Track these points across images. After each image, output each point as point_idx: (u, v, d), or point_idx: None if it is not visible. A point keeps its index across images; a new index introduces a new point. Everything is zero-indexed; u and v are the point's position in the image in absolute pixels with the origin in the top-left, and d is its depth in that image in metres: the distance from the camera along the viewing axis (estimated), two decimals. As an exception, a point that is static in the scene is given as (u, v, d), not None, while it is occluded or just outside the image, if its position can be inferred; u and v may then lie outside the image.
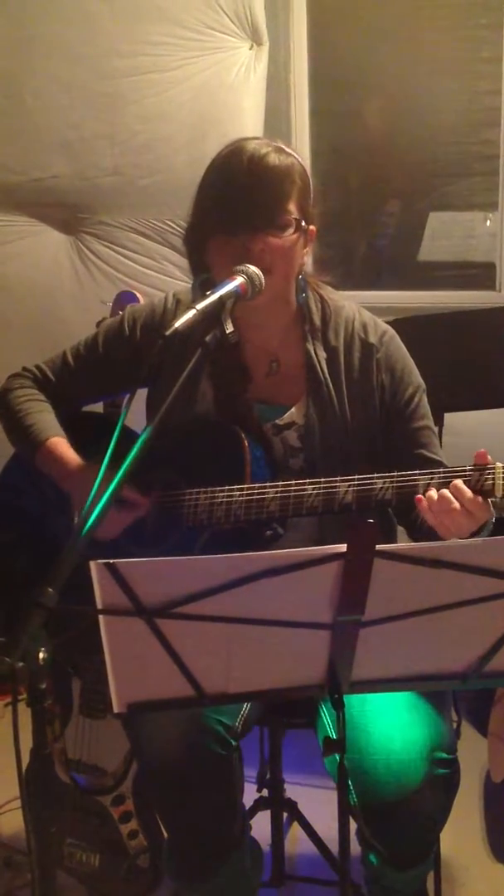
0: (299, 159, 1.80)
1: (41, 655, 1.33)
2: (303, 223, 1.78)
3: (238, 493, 1.75)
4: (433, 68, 3.60)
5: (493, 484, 1.60)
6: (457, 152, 3.62)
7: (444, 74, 3.61)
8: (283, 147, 1.79)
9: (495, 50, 3.42)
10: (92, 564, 1.26)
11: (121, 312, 2.16)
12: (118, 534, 1.84)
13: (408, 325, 2.25)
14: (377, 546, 1.25)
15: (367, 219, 3.78)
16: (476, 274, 3.68)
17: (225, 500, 1.75)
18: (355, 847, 1.88)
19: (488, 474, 1.61)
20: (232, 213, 1.73)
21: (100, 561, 1.26)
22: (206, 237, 1.79)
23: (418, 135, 3.69)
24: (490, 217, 3.65)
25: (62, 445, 1.91)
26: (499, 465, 1.62)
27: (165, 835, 1.94)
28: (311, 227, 1.82)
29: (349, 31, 3.61)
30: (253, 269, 1.68)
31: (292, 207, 1.76)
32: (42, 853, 1.51)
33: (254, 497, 1.74)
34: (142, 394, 1.91)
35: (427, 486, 1.64)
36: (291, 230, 1.76)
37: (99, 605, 1.29)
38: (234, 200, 1.73)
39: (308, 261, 1.89)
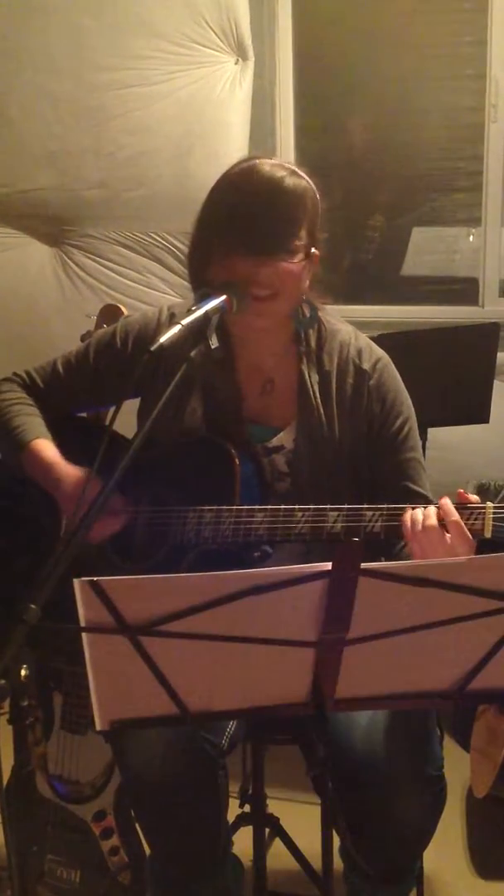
0: (311, 184, 1.78)
1: (23, 672, 1.32)
2: (311, 249, 1.77)
3: (227, 514, 1.74)
4: (418, 84, 3.63)
5: (483, 524, 1.59)
6: (440, 168, 3.65)
7: (428, 91, 3.63)
8: (297, 170, 1.77)
9: (479, 66, 3.45)
10: (76, 582, 1.25)
11: (105, 325, 2.16)
12: (104, 539, 1.82)
13: (391, 341, 2.25)
14: (362, 564, 1.25)
15: (351, 233, 3.80)
16: (459, 289, 3.70)
17: (213, 520, 1.74)
18: (337, 863, 1.88)
19: (478, 513, 1.60)
20: (244, 235, 1.71)
21: (84, 579, 1.25)
22: (212, 254, 1.77)
23: (402, 150, 3.71)
24: (473, 232, 3.67)
25: (48, 448, 1.89)
26: (489, 504, 1.60)
27: (147, 851, 1.93)
28: (316, 251, 1.80)
29: (334, 47, 3.63)
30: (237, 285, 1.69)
31: (303, 233, 1.74)
32: (22, 870, 1.51)
33: (242, 520, 1.73)
34: (133, 404, 1.90)
35: None
36: (301, 256, 1.74)
37: (82, 623, 1.28)
38: (248, 223, 1.71)
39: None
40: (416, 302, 3.71)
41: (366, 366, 1.86)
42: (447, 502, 1.61)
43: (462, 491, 1.62)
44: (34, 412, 1.95)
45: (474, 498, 1.61)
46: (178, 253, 3.19)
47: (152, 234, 3.21)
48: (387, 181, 3.77)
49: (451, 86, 3.58)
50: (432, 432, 2.63)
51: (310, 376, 1.85)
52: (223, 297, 1.67)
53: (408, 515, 1.62)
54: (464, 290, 3.66)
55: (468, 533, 1.59)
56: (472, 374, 2.87)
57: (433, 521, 1.59)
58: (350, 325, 1.93)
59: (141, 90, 3.15)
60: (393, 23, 3.58)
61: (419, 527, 1.60)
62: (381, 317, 3.46)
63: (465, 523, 1.59)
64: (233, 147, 3.12)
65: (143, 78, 3.14)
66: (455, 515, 1.59)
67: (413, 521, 1.61)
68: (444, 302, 3.66)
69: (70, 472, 1.84)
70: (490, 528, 1.58)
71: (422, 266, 3.79)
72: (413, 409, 1.89)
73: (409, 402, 1.89)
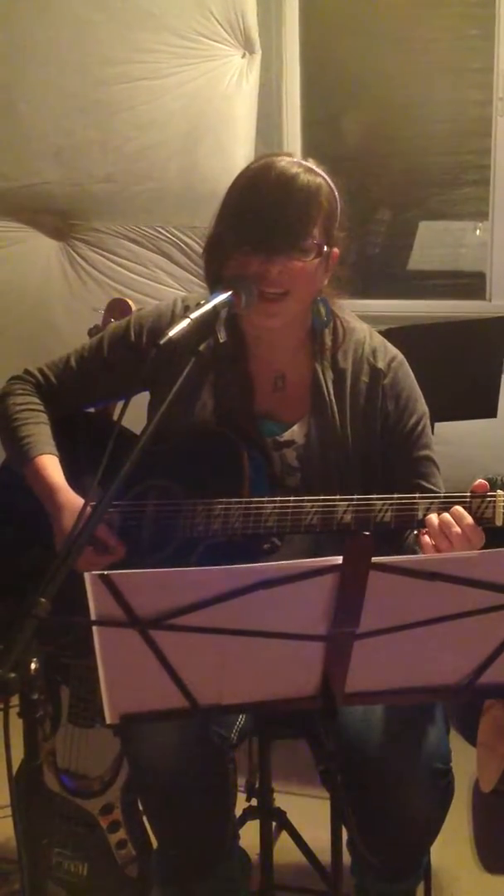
0: (328, 180, 1.78)
1: (33, 666, 1.32)
2: (325, 247, 1.76)
3: (236, 506, 1.74)
4: (424, 78, 3.62)
5: (494, 512, 1.60)
6: (447, 162, 3.64)
7: (435, 85, 3.63)
8: (313, 167, 1.77)
9: (486, 60, 3.44)
10: (86, 575, 1.25)
11: (113, 320, 2.16)
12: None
13: (397, 335, 2.24)
14: (373, 558, 1.25)
15: (357, 227, 3.77)
16: (466, 283, 3.69)
17: (222, 512, 1.74)
18: (345, 857, 1.89)
19: (489, 502, 1.61)
20: (255, 232, 1.71)
21: (94, 572, 1.25)
22: (226, 252, 1.76)
23: (409, 144, 3.71)
24: (480, 226, 3.67)
25: (50, 466, 1.87)
26: (500, 492, 1.61)
27: (154, 844, 1.93)
28: (335, 249, 1.80)
29: (341, 41, 3.63)
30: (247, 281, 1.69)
31: (316, 231, 1.74)
32: (32, 863, 1.51)
33: (251, 511, 1.73)
34: (142, 397, 1.90)
35: (426, 511, 1.63)
36: (313, 255, 1.74)
37: (93, 616, 1.28)
38: (258, 220, 1.71)
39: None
40: (423, 296, 3.70)
41: (381, 365, 1.86)
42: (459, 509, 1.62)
43: (482, 483, 1.62)
44: (43, 419, 1.94)
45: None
46: (184, 247, 3.19)
47: (159, 229, 3.21)
48: (393, 175, 3.77)
49: (459, 79, 3.57)
50: (439, 427, 2.62)
51: (324, 374, 1.85)
52: (230, 292, 1.67)
53: (433, 517, 1.62)
54: (471, 284, 3.65)
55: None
56: (480, 368, 2.87)
57: (458, 528, 1.60)
58: (365, 324, 1.93)
59: (148, 84, 3.14)
60: (400, 16, 3.58)
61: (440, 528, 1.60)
62: (387, 311, 3.45)
63: (476, 512, 1.60)
64: (240, 141, 3.12)
65: (150, 71, 3.13)
66: (469, 519, 1.60)
67: (441, 523, 1.61)
68: (451, 296, 3.65)
69: (69, 500, 1.82)
70: (502, 516, 1.59)
71: (429, 260, 3.78)
72: (427, 408, 1.89)
73: (423, 400, 1.89)
